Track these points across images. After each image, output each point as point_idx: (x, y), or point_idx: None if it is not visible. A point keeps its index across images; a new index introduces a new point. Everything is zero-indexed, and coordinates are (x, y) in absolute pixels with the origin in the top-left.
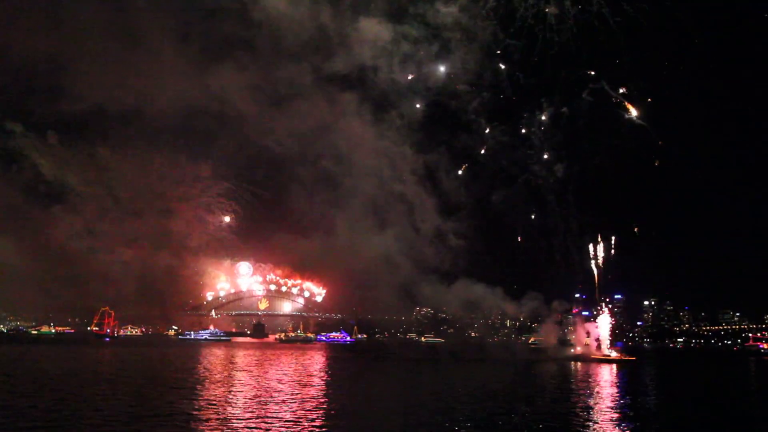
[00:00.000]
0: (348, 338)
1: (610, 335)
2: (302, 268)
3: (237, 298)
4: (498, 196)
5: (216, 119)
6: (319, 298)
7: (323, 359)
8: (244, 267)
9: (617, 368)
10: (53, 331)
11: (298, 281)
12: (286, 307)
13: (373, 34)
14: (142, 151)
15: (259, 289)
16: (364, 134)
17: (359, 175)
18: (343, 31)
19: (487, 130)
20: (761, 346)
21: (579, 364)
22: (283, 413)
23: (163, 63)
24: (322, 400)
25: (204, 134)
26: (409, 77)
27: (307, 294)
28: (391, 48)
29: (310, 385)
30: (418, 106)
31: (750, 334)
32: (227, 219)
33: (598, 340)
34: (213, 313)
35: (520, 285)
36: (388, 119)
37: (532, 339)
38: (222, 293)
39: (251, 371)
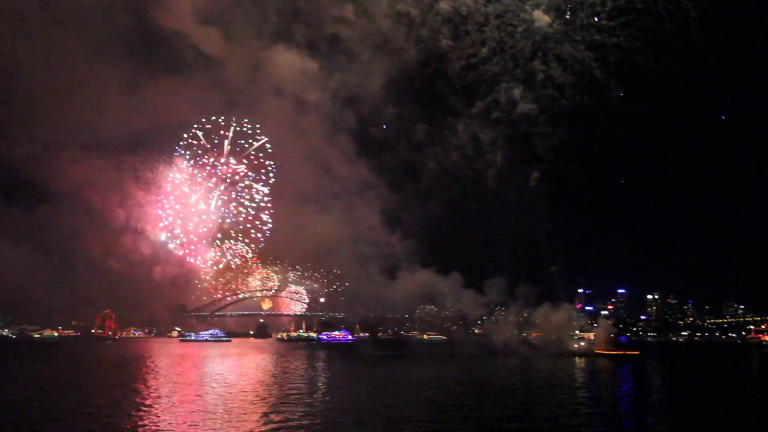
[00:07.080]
0: (350, 337)
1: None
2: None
3: (240, 298)
4: (434, 207)
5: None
6: (322, 298)
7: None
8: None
9: (619, 363)
10: (56, 334)
11: (303, 281)
12: (290, 307)
13: (291, 61)
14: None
15: (262, 289)
16: (299, 142)
17: (294, 173)
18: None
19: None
20: (763, 339)
21: (583, 359)
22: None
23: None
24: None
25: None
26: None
27: (310, 293)
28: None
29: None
30: (350, 120)
31: (752, 327)
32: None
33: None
34: (219, 313)
35: (483, 270)
36: (323, 131)
37: (533, 335)
38: (226, 294)
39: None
